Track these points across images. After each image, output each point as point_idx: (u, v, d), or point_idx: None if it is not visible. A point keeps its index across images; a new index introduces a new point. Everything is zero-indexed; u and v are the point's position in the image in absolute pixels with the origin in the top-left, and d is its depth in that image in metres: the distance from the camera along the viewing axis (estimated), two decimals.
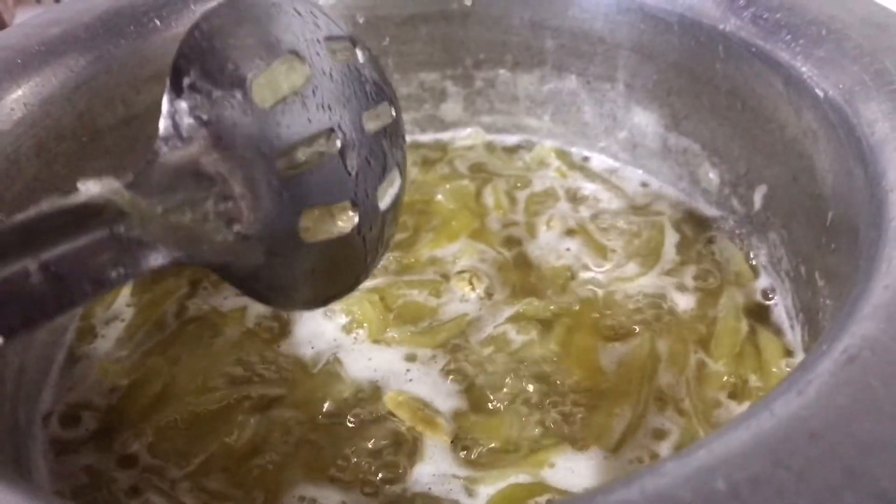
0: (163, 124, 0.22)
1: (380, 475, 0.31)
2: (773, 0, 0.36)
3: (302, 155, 0.24)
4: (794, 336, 0.36)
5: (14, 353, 0.34)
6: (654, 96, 0.44)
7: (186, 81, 0.22)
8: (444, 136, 0.51)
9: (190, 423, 0.33)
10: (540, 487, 0.30)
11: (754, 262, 0.40)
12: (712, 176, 0.43)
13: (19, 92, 0.35)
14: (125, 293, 0.40)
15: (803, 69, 0.33)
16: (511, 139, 0.51)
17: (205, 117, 0.22)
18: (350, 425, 0.33)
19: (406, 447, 0.32)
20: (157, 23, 0.40)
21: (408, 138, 0.52)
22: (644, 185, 0.46)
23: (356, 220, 0.27)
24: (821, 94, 0.32)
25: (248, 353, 0.36)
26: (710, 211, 0.43)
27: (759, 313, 0.37)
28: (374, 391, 0.34)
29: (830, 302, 0.32)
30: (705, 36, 0.39)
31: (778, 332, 0.36)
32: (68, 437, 0.34)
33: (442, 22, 0.47)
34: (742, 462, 0.17)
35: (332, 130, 0.26)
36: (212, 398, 0.34)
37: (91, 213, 0.19)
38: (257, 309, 0.38)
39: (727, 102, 0.40)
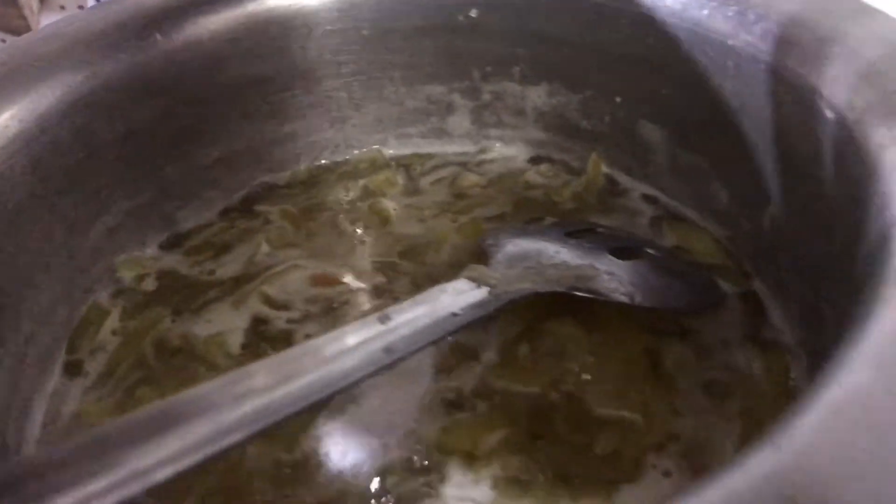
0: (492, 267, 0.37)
1: None
2: (784, 15, 0.35)
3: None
4: (800, 365, 0.35)
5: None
6: (663, 111, 0.43)
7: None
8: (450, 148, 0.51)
9: None
10: None
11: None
12: (721, 194, 0.41)
13: (14, 108, 0.35)
14: (113, 320, 0.39)
15: (814, 88, 0.32)
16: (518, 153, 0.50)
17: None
18: None
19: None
20: (158, 37, 0.40)
21: (413, 150, 0.51)
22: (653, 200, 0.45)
23: None
24: (831, 115, 0.31)
25: None
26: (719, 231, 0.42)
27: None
28: None
29: (834, 333, 0.30)
30: (715, 51, 0.38)
31: (785, 360, 0.35)
32: None
33: (448, 34, 0.46)
34: None
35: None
36: None
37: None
38: (235, 335, 0.38)
39: (736, 119, 0.38)
